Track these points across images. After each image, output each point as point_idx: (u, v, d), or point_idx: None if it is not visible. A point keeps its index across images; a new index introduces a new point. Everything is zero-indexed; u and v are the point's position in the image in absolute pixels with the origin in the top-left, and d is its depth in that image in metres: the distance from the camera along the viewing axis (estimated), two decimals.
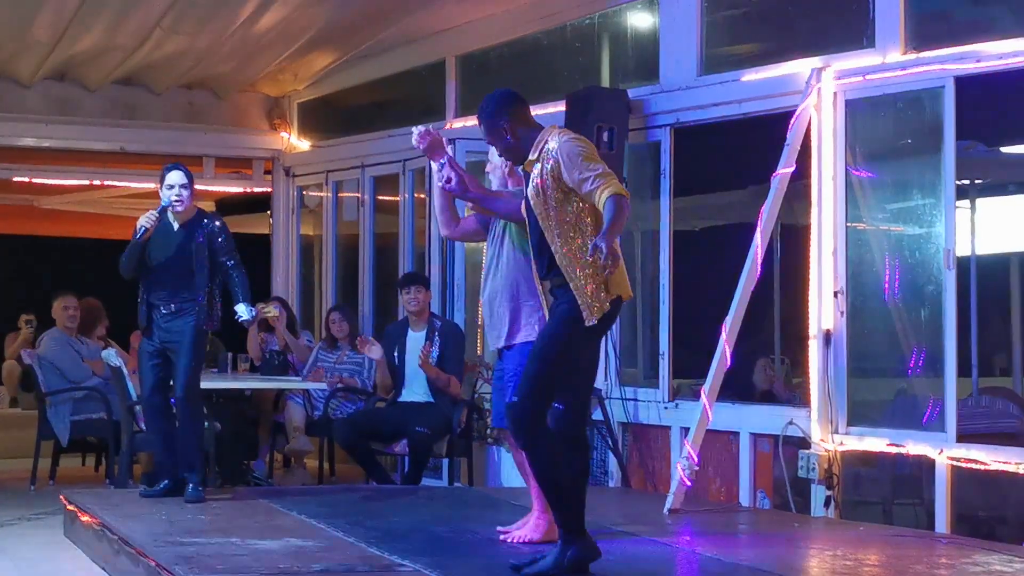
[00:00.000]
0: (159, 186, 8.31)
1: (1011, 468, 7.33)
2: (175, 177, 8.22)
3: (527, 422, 5.74)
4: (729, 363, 8.19)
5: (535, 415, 5.73)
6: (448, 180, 6.37)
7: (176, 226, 8.24)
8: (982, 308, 9.42)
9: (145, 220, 8.14)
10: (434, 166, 6.51)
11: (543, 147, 5.83)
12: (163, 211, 8.19)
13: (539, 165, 5.83)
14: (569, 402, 5.97)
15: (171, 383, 8.21)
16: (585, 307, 5.69)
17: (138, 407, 9.58)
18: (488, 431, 9.65)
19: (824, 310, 8.29)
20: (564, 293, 5.77)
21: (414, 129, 6.50)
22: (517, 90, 6.16)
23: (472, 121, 10.44)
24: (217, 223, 8.35)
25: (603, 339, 6.01)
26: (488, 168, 6.89)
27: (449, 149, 6.51)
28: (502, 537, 6.69)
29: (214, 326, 8.31)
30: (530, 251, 6.17)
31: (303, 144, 13.17)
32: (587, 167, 5.68)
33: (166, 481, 8.25)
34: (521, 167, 6.04)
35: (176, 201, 8.18)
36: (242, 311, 8.22)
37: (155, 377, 8.24)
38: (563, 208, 5.78)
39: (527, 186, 5.91)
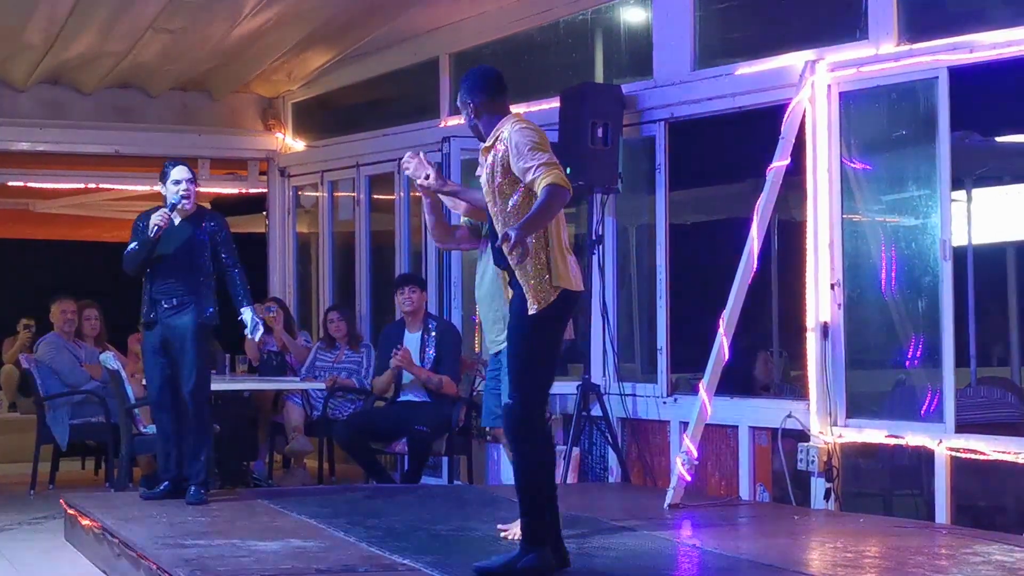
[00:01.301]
0: (161, 184, 8.30)
1: (1010, 458, 7.34)
2: (181, 172, 8.23)
3: (513, 426, 5.76)
4: (727, 357, 8.19)
5: (521, 420, 5.74)
6: (426, 176, 6.38)
7: (178, 220, 8.25)
8: (979, 298, 9.43)
9: (158, 219, 8.10)
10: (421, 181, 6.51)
11: (499, 134, 5.83)
12: (173, 209, 8.19)
13: (492, 152, 5.84)
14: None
15: (178, 381, 8.20)
16: (530, 296, 5.69)
17: (136, 410, 9.60)
18: (488, 428, 9.65)
19: (821, 302, 8.30)
20: (517, 285, 5.77)
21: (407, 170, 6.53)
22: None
23: None
24: (218, 221, 8.38)
25: (557, 332, 5.85)
26: (479, 172, 6.90)
27: (444, 146, 6.58)
28: (502, 534, 6.70)
29: (215, 321, 8.32)
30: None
31: (298, 144, 13.17)
32: (532, 156, 5.66)
33: (166, 483, 8.25)
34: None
35: (184, 197, 8.18)
36: (247, 317, 8.22)
37: (162, 375, 8.24)
38: (510, 197, 5.77)
39: (481, 173, 5.91)
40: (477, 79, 6.02)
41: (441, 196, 6.65)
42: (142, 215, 8.39)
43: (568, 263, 5.79)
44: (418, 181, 6.43)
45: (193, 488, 8.08)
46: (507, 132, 5.79)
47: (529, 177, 5.65)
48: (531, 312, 5.68)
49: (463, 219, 6.88)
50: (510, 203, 5.76)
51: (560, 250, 5.77)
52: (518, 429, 5.76)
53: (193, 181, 8.25)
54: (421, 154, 6.54)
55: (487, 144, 5.88)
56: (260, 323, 8.35)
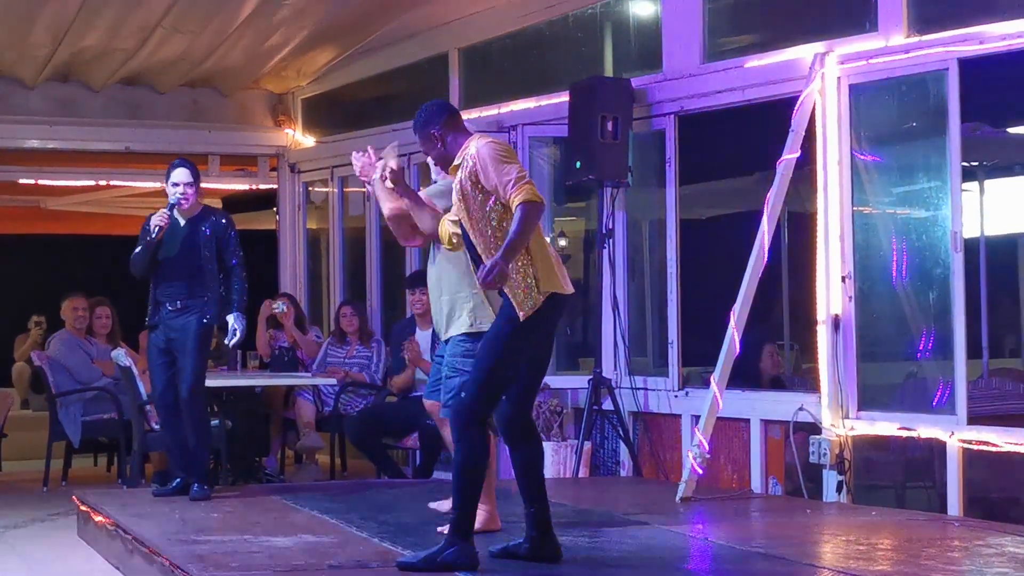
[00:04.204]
0: (165, 183, 8.33)
1: (1022, 449, 7.32)
2: (180, 175, 8.24)
3: (464, 418, 5.83)
4: (738, 350, 8.19)
5: (473, 414, 5.81)
6: (383, 174, 6.51)
7: (182, 222, 8.25)
8: (991, 289, 9.41)
9: (158, 219, 8.14)
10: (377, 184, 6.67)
11: (466, 152, 5.92)
12: (172, 208, 8.21)
13: (461, 170, 5.92)
14: (512, 394, 5.99)
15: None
16: (517, 305, 5.76)
17: (148, 407, 9.62)
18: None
19: (832, 295, 8.29)
20: (504, 293, 5.85)
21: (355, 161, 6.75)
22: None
23: (476, 114, 10.49)
24: (224, 220, 8.38)
25: (536, 340, 5.95)
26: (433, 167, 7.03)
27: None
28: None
29: (218, 321, 8.31)
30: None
31: (308, 140, 13.18)
32: (503, 171, 5.76)
33: (178, 480, 8.27)
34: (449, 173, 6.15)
35: (182, 199, 8.20)
36: (229, 321, 8.22)
37: (166, 375, 8.26)
38: (483, 211, 5.85)
39: (454, 192, 6.00)
40: (430, 109, 6.14)
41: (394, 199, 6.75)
42: (152, 216, 8.41)
43: (555, 267, 5.87)
44: (378, 175, 6.59)
45: (196, 485, 8.09)
46: (473, 147, 5.90)
47: (502, 193, 5.75)
48: (520, 317, 5.76)
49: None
50: (488, 213, 5.84)
51: (544, 256, 5.84)
52: (465, 424, 5.82)
53: (192, 184, 8.24)
54: (371, 149, 6.69)
55: (456, 163, 5.97)
56: (237, 331, 8.32)
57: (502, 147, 5.89)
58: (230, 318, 8.27)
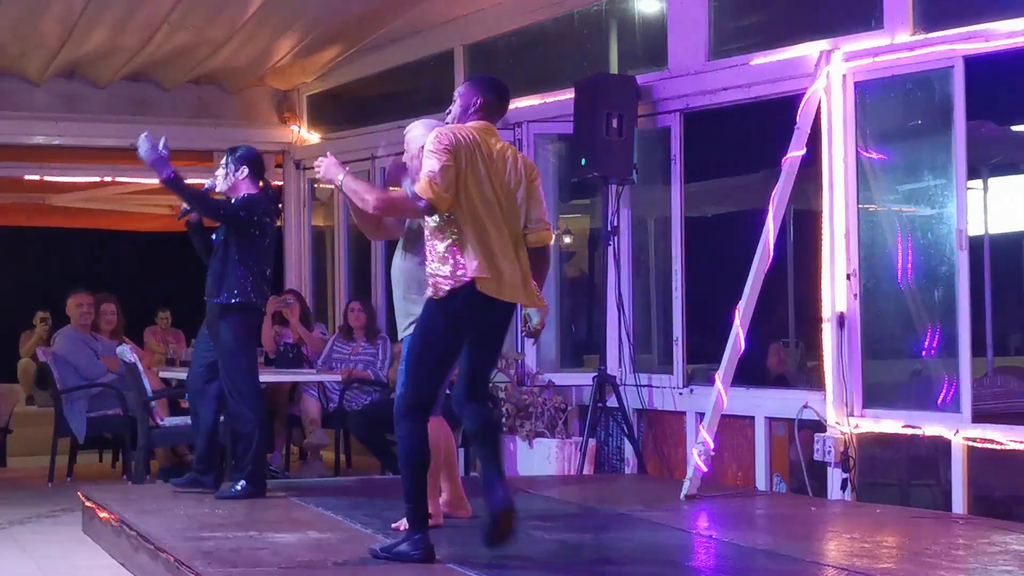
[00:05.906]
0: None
1: None
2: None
3: (400, 410, 5.89)
4: (743, 348, 8.19)
5: (408, 404, 5.87)
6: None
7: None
8: (996, 287, 9.41)
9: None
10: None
11: None
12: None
13: None
14: (457, 389, 6.03)
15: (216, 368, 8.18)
16: (432, 284, 5.79)
17: (153, 403, 9.63)
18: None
19: (837, 293, 8.29)
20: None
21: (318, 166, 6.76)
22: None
23: None
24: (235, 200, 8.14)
25: (447, 330, 5.87)
26: (405, 156, 7.03)
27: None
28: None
29: (242, 299, 8.15)
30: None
31: (313, 137, 13.18)
32: (422, 164, 5.80)
33: (194, 471, 8.24)
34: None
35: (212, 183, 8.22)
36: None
37: (201, 362, 8.25)
38: None
39: None
40: (479, 82, 6.13)
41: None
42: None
43: (481, 260, 5.75)
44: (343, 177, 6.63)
45: (242, 483, 7.98)
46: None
47: None
48: (434, 297, 5.81)
49: None
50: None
51: (478, 245, 5.76)
52: (402, 415, 5.88)
53: (223, 165, 8.19)
54: (330, 155, 6.69)
55: None
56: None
57: (436, 140, 5.82)
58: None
